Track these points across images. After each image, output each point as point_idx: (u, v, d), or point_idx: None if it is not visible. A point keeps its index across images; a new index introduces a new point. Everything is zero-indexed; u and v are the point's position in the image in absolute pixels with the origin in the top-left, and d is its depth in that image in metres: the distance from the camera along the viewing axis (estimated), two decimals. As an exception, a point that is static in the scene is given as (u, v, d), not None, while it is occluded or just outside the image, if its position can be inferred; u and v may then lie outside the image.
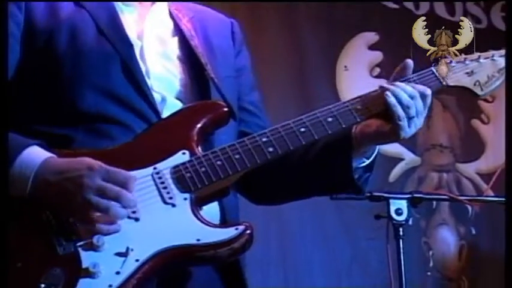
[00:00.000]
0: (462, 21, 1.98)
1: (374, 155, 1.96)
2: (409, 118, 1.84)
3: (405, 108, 1.83)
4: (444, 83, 1.93)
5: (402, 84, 1.86)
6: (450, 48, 1.94)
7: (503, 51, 2.00)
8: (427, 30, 1.93)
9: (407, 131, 1.84)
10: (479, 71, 1.97)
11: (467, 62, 1.97)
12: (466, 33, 1.96)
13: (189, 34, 1.97)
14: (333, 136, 1.88)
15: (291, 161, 1.97)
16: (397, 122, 1.83)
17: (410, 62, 1.91)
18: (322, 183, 2.02)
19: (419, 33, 1.93)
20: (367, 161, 1.95)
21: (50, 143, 1.75)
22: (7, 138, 1.70)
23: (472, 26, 1.96)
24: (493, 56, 2.00)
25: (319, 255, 4.41)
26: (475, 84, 1.97)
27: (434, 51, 1.93)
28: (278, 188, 2.08)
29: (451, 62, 1.95)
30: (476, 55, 1.98)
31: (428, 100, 1.87)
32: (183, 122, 1.84)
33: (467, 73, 1.96)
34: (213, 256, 1.71)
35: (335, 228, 4.46)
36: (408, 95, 1.84)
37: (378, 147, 1.96)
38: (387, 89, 1.85)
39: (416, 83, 1.89)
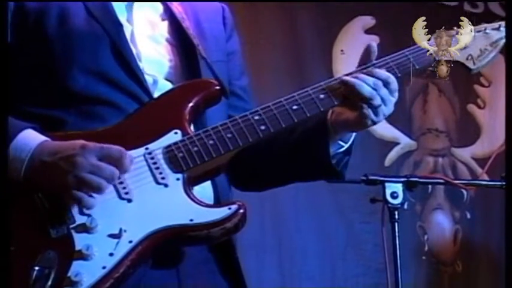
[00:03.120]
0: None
1: (352, 139, 1.94)
2: (375, 107, 1.81)
3: (367, 100, 1.80)
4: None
5: (363, 76, 1.82)
6: (450, 48, 1.91)
7: (495, 24, 1.99)
8: (427, 30, 1.90)
9: (374, 118, 1.82)
10: (471, 44, 1.94)
11: None
12: (466, 33, 1.92)
13: (180, 17, 1.97)
14: (310, 123, 1.88)
15: (274, 148, 1.97)
16: (361, 111, 1.81)
17: (373, 45, 1.89)
18: (303, 170, 2.02)
19: (420, 33, 1.90)
20: (346, 145, 1.94)
21: (42, 126, 1.75)
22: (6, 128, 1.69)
23: (472, 28, 1.93)
24: (485, 29, 1.98)
25: (314, 239, 4.40)
26: (467, 59, 1.95)
27: (435, 51, 1.90)
28: (262, 174, 2.07)
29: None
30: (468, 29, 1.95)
31: (393, 86, 1.84)
32: (174, 101, 1.84)
33: None
34: (206, 236, 1.71)
35: (330, 212, 4.45)
36: (370, 86, 1.81)
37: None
38: (346, 83, 1.82)
39: (390, 64, 1.86)
